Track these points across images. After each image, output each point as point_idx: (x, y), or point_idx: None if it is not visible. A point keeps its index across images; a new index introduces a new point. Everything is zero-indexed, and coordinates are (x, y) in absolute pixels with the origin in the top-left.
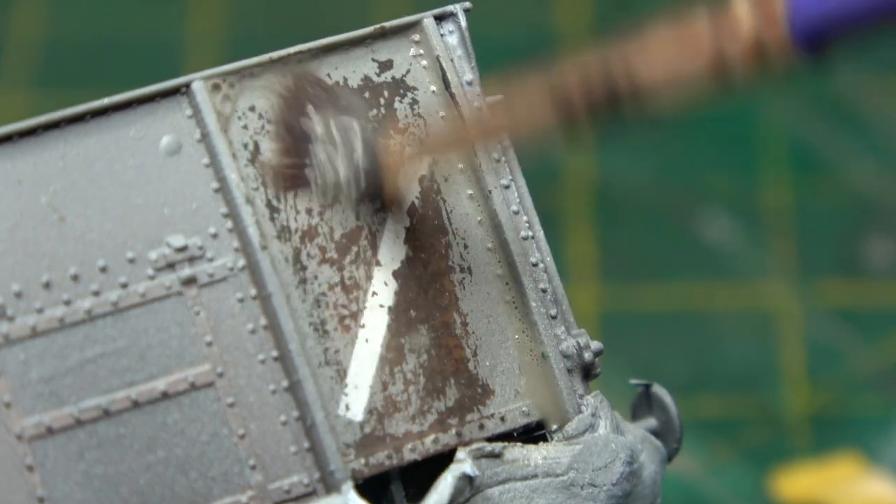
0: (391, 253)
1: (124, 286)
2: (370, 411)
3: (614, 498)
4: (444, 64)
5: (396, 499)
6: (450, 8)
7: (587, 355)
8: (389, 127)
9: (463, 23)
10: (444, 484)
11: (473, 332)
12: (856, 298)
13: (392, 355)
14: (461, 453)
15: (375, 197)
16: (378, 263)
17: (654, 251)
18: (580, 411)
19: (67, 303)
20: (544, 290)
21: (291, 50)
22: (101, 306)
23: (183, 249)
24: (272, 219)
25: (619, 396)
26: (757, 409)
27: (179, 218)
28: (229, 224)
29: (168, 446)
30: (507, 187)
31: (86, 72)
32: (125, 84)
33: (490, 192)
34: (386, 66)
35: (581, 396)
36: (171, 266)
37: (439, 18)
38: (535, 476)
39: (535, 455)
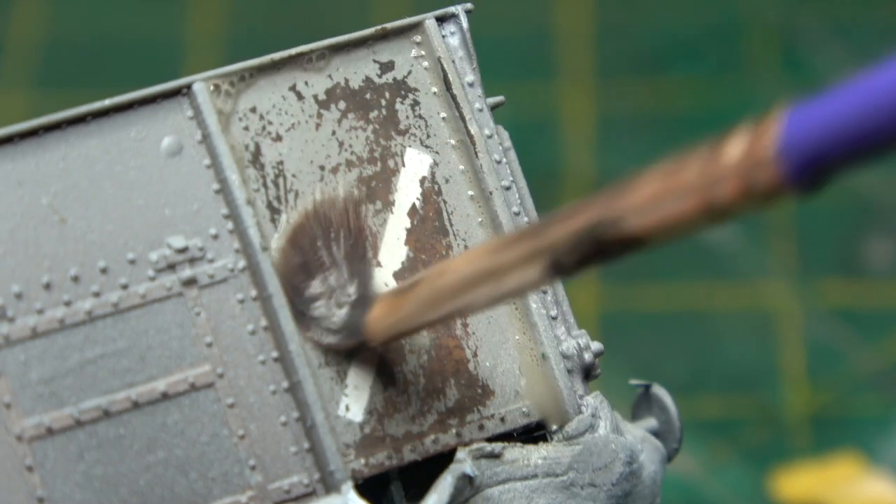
0: (392, 254)
1: (125, 287)
2: (370, 412)
3: (614, 498)
4: (445, 65)
5: (396, 499)
6: (451, 9)
7: (587, 356)
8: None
9: (464, 24)
10: (444, 484)
11: (473, 333)
12: (856, 298)
13: (392, 356)
14: (461, 453)
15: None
16: (378, 264)
17: (654, 251)
18: (580, 412)
19: (68, 304)
20: (544, 291)
21: (293, 51)
22: (102, 307)
23: (183, 250)
24: (273, 220)
25: (619, 396)
26: (757, 409)
27: (180, 219)
28: (230, 225)
29: (168, 447)
30: (507, 188)
31: (86, 72)
32: (125, 84)
33: (491, 193)
34: (387, 67)
35: (581, 397)
36: (171, 267)
37: (441, 19)
38: (534, 476)
39: (534, 455)
